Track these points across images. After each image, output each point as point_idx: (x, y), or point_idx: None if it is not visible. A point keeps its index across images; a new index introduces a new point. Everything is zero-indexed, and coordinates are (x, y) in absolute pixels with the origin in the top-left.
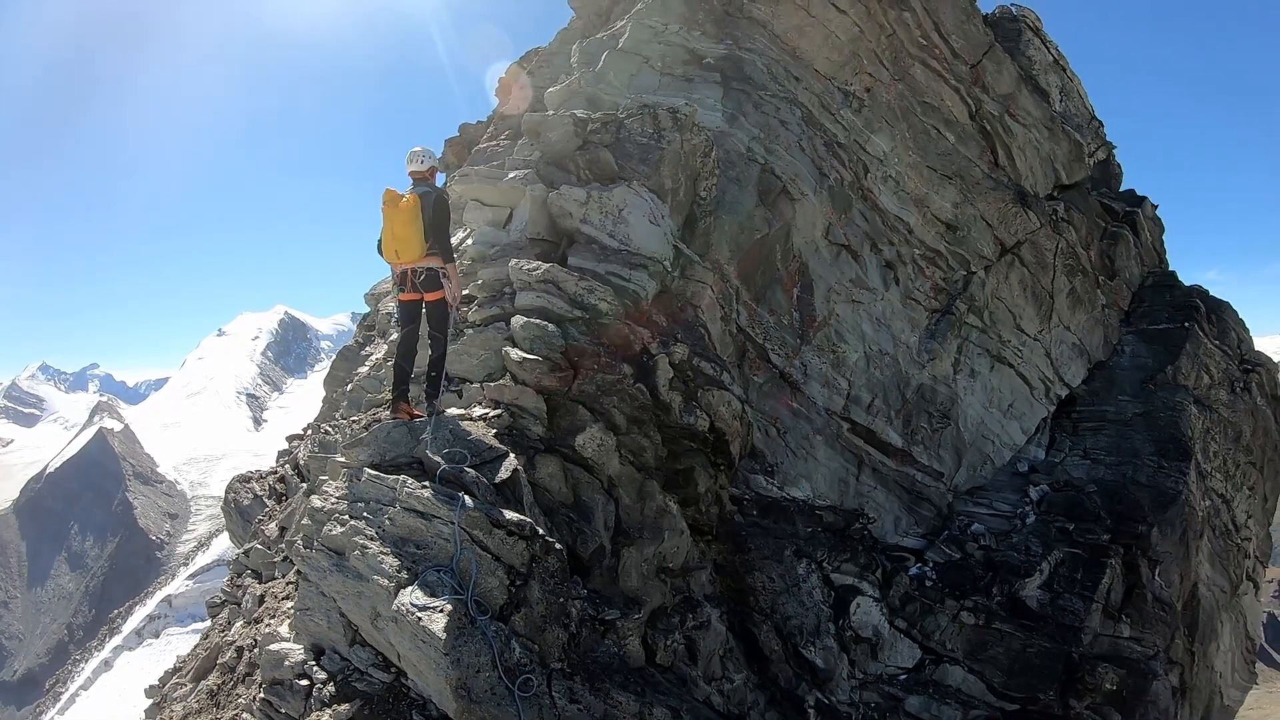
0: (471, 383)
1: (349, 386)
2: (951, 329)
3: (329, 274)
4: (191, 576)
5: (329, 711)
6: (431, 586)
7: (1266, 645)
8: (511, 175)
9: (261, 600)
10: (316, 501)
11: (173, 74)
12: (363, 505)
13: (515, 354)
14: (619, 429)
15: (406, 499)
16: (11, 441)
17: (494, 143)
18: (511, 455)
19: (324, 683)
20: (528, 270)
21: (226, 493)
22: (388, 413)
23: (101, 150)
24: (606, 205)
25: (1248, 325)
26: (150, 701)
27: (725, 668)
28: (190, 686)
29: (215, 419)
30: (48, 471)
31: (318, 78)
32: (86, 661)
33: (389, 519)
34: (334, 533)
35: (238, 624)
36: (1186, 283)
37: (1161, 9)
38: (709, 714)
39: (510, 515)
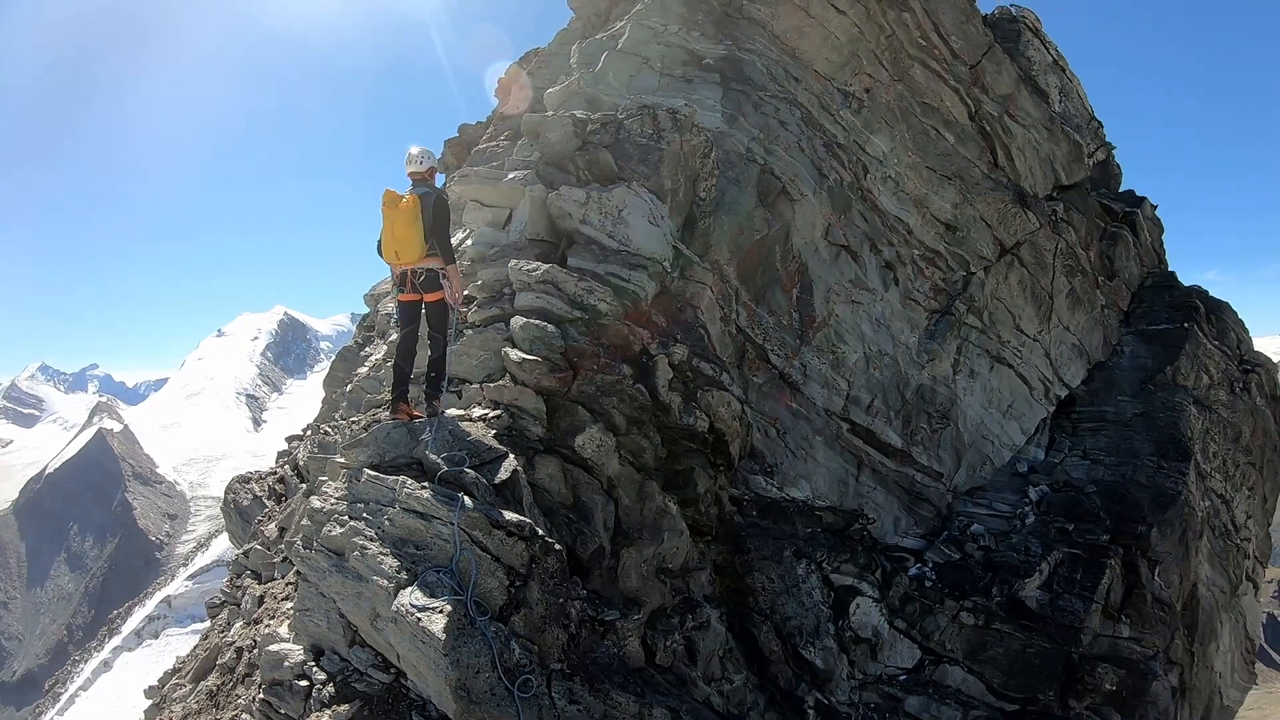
0: (471, 383)
1: (348, 387)
2: (951, 329)
3: (328, 275)
4: (191, 577)
5: (328, 712)
6: (431, 587)
7: (1266, 646)
8: (511, 176)
9: (261, 601)
10: (316, 502)
11: (172, 74)
12: (362, 506)
13: (515, 355)
14: (618, 430)
15: (406, 500)
16: (11, 442)
17: (493, 143)
18: (511, 456)
19: (323, 683)
20: (527, 271)
21: (226, 493)
22: (387, 413)
23: (101, 150)
24: (606, 206)
25: (1247, 325)
26: (149, 702)
27: (725, 668)
28: (190, 687)
29: (215, 420)
30: (47, 472)
31: (317, 77)
32: (86, 662)
33: (388, 520)
34: (333, 533)
35: (237, 625)
36: (1186, 283)
37: (1160, 10)
38: (708, 714)
39: (510, 516)
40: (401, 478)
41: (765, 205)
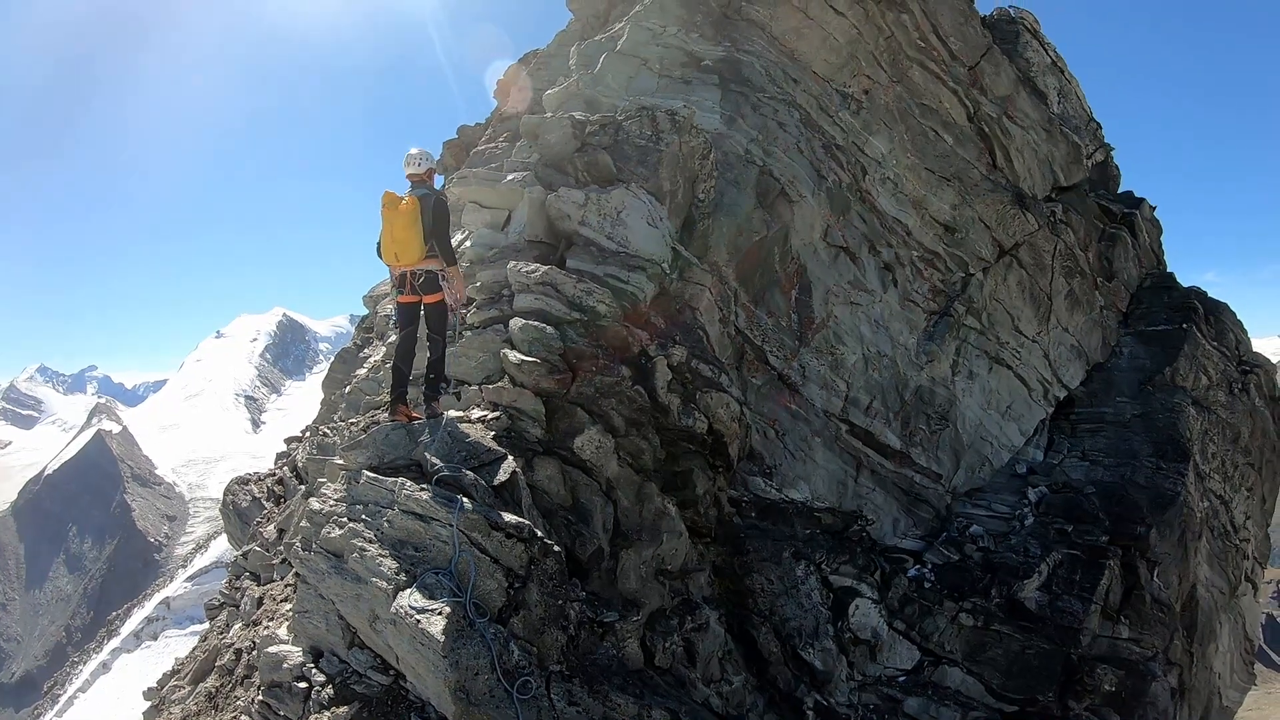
0: (470, 385)
1: (347, 389)
2: (950, 331)
3: (327, 276)
4: (190, 579)
5: (327, 714)
6: (430, 589)
7: (1265, 646)
8: (510, 177)
9: (260, 603)
10: (315, 504)
11: (171, 74)
12: (361, 508)
13: (514, 356)
14: (617, 431)
15: (405, 501)
16: (10, 443)
17: (492, 145)
18: (510, 457)
19: (322, 685)
20: (526, 272)
21: (225, 495)
22: (386, 415)
23: (101, 151)
24: (605, 207)
25: (1246, 326)
26: (148, 704)
27: (724, 670)
28: (189, 689)
29: (213, 421)
30: (46, 473)
31: (317, 77)
32: (85, 664)
33: (387, 521)
34: (332, 535)
35: (236, 626)
36: (1185, 284)
37: (1159, 11)
38: (708, 716)
39: (509, 518)
40: (400, 479)
41: (764, 207)
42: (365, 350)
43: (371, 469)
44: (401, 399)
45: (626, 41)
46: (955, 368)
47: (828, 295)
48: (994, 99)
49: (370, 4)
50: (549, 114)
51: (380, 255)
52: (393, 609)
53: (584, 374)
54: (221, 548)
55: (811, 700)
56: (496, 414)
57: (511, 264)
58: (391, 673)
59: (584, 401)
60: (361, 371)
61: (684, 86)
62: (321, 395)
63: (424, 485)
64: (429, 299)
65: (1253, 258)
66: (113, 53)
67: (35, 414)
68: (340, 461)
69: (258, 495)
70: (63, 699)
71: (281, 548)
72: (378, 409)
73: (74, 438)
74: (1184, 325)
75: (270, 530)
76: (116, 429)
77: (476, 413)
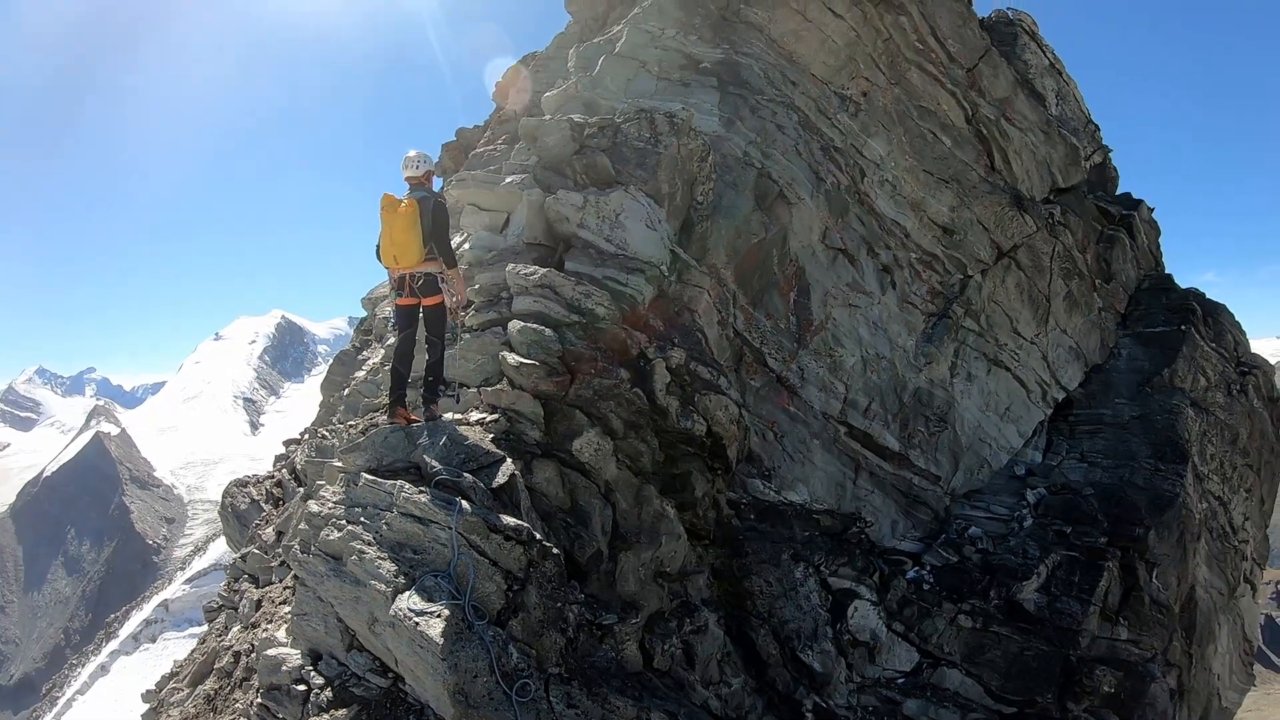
0: (469, 387)
1: (346, 391)
2: (948, 333)
3: (326, 278)
4: (188, 581)
5: (326, 717)
6: (429, 591)
7: (1264, 647)
8: (508, 180)
9: (259, 605)
10: (314, 506)
11: (171, 75)
12: (360, 510)
13: (512, 359)
14: (616, 434)
15: (404, 504)
16: (8, 445)
17: (491, 147)
18: (509, 460)
19: (321, 688)
20: (525, 275)
21: (223, 497)
22: (385, 417)
23: (99, 151)
24: (603, 210)
25: (1244, 327)
26: (147, 706)
27: (723, 672)
28: (187, 691)
29: (212, 423)
30: (44, 475)
31: (316, 79)
32: (83, 666)
33: (386, 524)
34: (331, 538)
35: (235, 629)
36: (1183, 285)
37: (1157, 12)
38: (707, 718)
39: (507, 520)
40: (399, 482)
41: (762, 209)
42: (364, 353)
43: (370, 471)
44: (400, 401)
45: (625, 44)
46: (954, 370)
47: (826, 297)
48: (992, 101)
49: (370, 4)
50: (547, 116)
51: (379, 258)
52: (391, 611)
53: (583, 376)
54: (220, 550)
55: (810, 702)
56: (495, 416)
57: (510, 266)
58: (390, 675)
59: (583, 404)
60: (360, 374)
61: (682, 89)
62: (320, 398)
63: (423, 488)
64: (428, 301)
65: (1251, 259)
66: (110, 55)
67: (33, 416)
68: (339, 464)
69: (256, 498)
70: (61, 701)
71: (280, 550)
72: (376, 411)
73: (72, 440)
74: (1182, 327)
75: (269, 533)
76: (115, 431)
77: (475, 415)
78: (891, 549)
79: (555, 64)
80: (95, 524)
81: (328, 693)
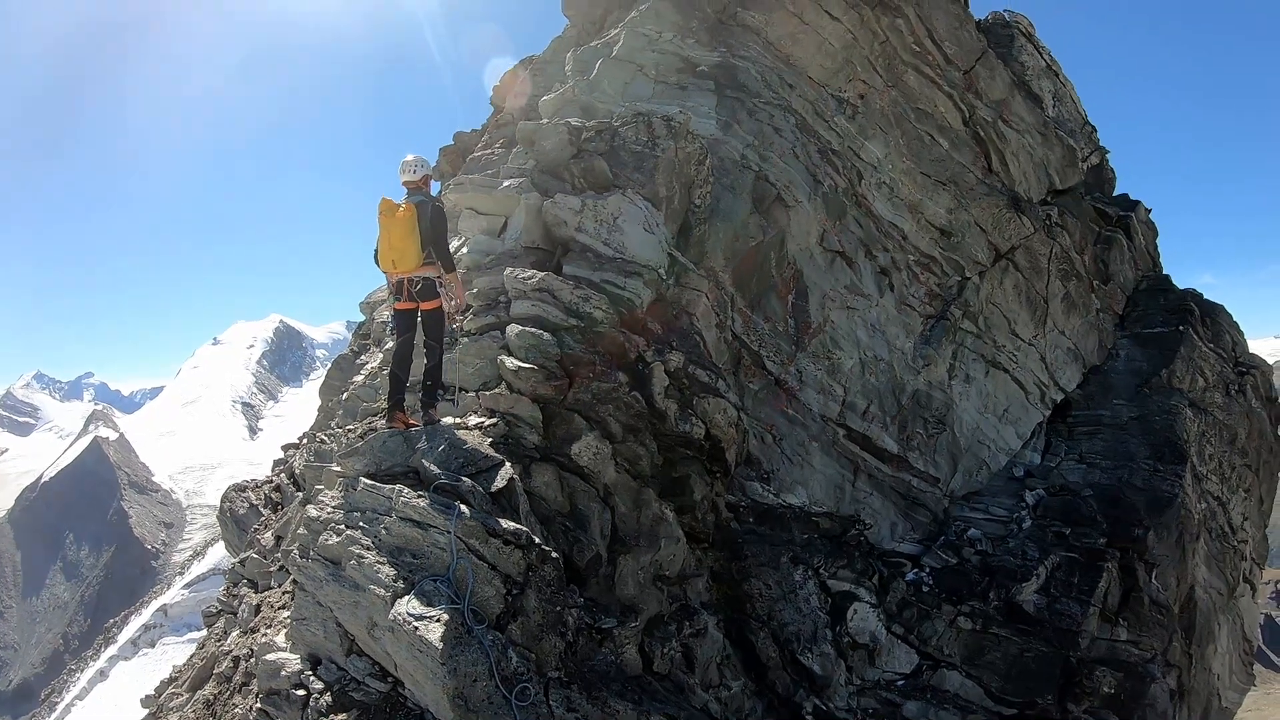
0: (467, 391)
1: (344, 395)
2: (946, 334)
3: (324, 282)
4: (187, 586)
5: None
6: (428, 596)
7: (1264, 647)
8: (506, 184)
9: (258, 610)
10: (312, 511)
11: (169, 77)
12: (359, 515)
13: (511, 363)
14: (615, 437)
15: (402, 508)
16: (6, 450)
17: (489, 151)
18: (507, 464)
19: (321, 693)
20: (523, 279)
21: (222, 502)
22: (383, 422)
23: (98, 154)
24: (601, 213)
25: (1242, 328)
26: (146, 712)
27: (723, 675)
28: (186, 696)
29: (210, 428)
30: (43, 481)
31: (315, 81)
32: (82, 671)
33: (385, 528)
34: (330, 542)
35: (234, 634)
36: (1181, 286)
37: (1155, 13)
38: None
39: (506, 524)
40: (398, 486)
41: (760, 212)
42: (362, 357)
43: (369, 476)
44: (399, 406)
45: (622, 47)
46: (952, 371)
47: (824, 300)
48: (989, 103)
49: (370, 4)
50: (545, 120)
51: (378, 262)
52: (391, 616)
53: (581, 380)
54: (219, 555)
55: (810, 705)
56: (494, 421)
57: (508, 270)
58: (390, 680)
59: (581, 408)
60: (358, 378)
61: (679, 92)
62: (318, 402)
63: (421, 492)
64: (426, 306)
65: (1250, 259)
66: (109, 57)
67: (32, 421)
68: (338, 468)
69: (255, 502)
70: (60, 706)
71: (279, 555)
72: (375, 416)
73: (71, 445)
74: (1180, 327)
75: (268, 537)
76: (113, 436)
77: (474, 419)
78: (891, 551)
79: (553, 67)
80: (94, 529)
81: (327, 697)
